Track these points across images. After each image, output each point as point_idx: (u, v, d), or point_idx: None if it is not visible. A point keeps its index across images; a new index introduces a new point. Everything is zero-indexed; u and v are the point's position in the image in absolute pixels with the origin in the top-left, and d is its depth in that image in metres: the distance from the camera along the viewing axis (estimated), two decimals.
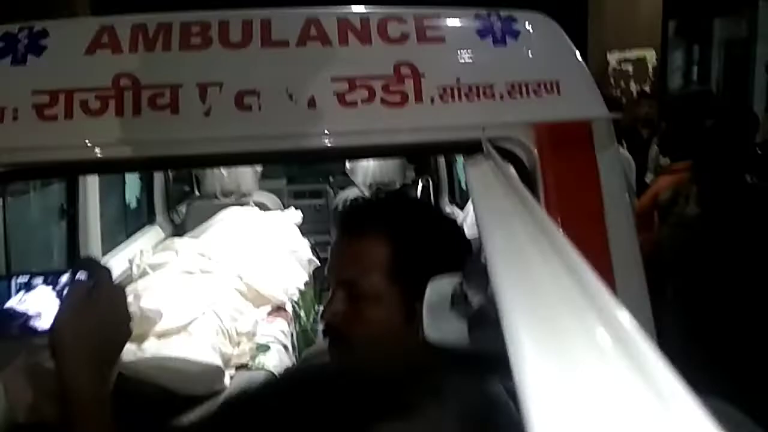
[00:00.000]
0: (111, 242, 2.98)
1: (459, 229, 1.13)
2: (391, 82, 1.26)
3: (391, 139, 1.27)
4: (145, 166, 1.42)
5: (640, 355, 0.34)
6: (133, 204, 3.38)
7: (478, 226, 0.92)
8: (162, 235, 3.67)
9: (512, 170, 1.20)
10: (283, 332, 2.08)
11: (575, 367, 0.35)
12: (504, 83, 1.29)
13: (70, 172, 1.33)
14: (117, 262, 2.65)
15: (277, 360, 1.88)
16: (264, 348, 1.90)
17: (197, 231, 3.22)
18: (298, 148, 1.26)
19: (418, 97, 1.25)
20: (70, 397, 0.77)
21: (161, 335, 1.68)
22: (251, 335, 1.94)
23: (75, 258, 2.47)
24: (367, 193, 4.10)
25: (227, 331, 1.86)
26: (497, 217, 0.87)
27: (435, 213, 1.28)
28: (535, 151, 1.29)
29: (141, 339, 1.64)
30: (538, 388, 0.34)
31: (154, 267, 2.34)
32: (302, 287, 2.66)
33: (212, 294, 2.01)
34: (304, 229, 3.92)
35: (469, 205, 1.93)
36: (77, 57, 1.25)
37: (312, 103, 1.24)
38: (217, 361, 1.63)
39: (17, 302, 0.90)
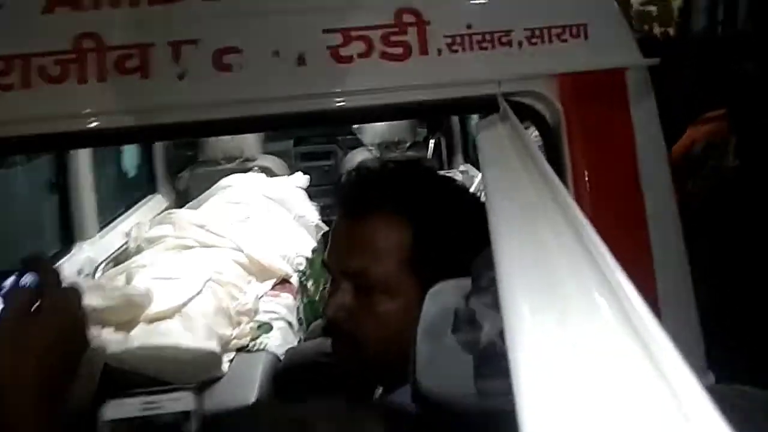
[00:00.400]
0: (108, 215, 2.87)
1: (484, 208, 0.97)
2: (392, 32, 1.09)
3: (393, 99, 1.12)
4: (112, 140, 1.28)
5: (638, 320, 0.33)
6: (132, 172, 3.25)
7: (486, 198, 0.78)
8: (164, 204, 3.55)
9: (527, 133, 1.04)
10: (287, 307, 1.96)
11: (570, 330, 0.35)
12: (522, 29, 1.12)
13: (28, 149, 1.19)
14: (115, 237, 2.55)
15: (280, 339, 1.76)
16: (266, 327, 1.79)
17: (198, 200, 3.09)
18: (285, 112, 1.11)
19: (423, 49, 1.09)
20: None
21: (152, 320, 1.57)
22: (252, 313, 1.83)
23: (66, 238, 2.36)
24: (376, 153, 3.95)
25: (226, 309, 1.75)
26: (507, 187, 0.76)
27: (458, 187, 1.08)
28: (560, 106, 1.13)
29: (129, 326, 1.53)
30: (529, 349, 0.34)
31: (151, 241, 2.23)
32: (310, 254, 2.54)
33: (211, 269, 1.90)
34: (313, 192, 3.80)
35: None
36: (34, 17, 1.09)
37: (301, 59, 1.08)
38: (213, 346, 1.52)
39: None
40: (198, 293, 1.74)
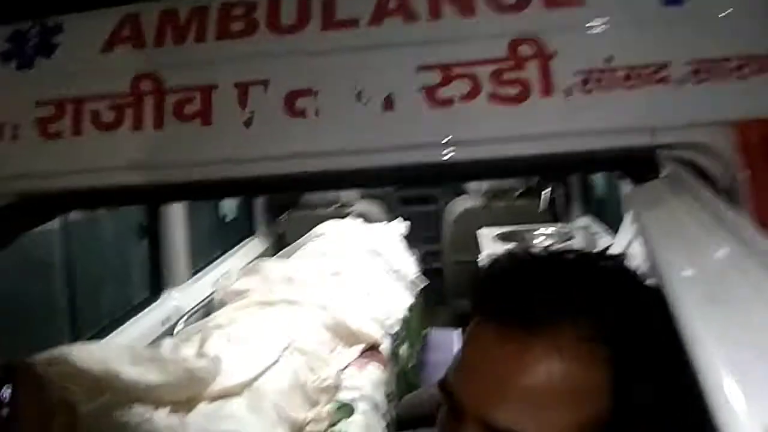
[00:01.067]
0: (204, 259, 2.80)
1: None
2: (505, 67, 0.85)
3: (504, 153, 0.87)
4: (166, 196, 1.12)
5: None
6: (230, 216, 3.20)
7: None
8: (262, 248, 3.48)
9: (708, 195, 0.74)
10: (373, 383, 1.71)
11: None
12: (682, 62, 0.84)
13: (81, 204, 1.06)
14: (207, 284, 2.46)
15: (362, 427, 1.51)
16: (347, 409, 1.55)
17: (293, 247, 2.98)
18: (369, 167, 0.89)
19: (546, 89, 0.84)
20: None
21: (216, 397, 1.39)
22: (333, 390, 1.60)
23: (155, 284, 2.28)
24: (482, 201, 3.66)
25: (303, 385, 1.54)
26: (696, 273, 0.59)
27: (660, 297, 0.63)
28: (737, 163, 0.83)
29: (188, 406, 1.35)
30: None
31: (236, 294, 2.09)
32: (406, 313, 2.30)
33: (292, 334, 1.71)
34: (413, 237, 3.58)
35: (625, 230, 1.45)
36: (91, 56, 0.97)
37: (389, 103, 0.87)
38: None
39: None
40: (274, 363, 1.54)
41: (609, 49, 0.85)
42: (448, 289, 3.69)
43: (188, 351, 1.62)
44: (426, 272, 3.55)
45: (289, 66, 0.90)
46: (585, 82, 0.84)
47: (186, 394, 1.36)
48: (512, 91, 0.85)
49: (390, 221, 3.41)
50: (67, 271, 1.74)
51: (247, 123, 0.90)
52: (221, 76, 0.91)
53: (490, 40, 0.86)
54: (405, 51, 0.88)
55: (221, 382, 1.42)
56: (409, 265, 2.82)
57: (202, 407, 1.34)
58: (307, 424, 1.43)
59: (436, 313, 3.57)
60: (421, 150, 0.87)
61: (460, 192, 3.97)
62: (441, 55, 0.87)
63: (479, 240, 2.98)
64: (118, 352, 1.30)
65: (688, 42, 0.85)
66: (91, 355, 1.23)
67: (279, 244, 3.59)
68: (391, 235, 3.07)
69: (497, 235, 2.86)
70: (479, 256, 2.76)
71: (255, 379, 1.45)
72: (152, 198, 1.17)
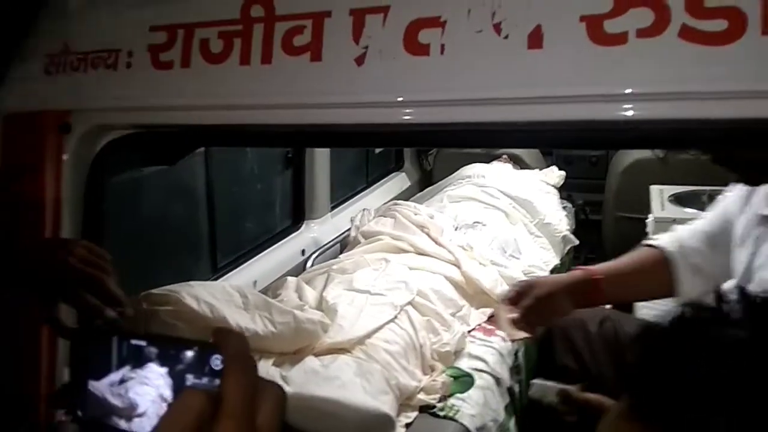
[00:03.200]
0: (347, 191, 2.79)
1: None
2: None
3: (699, 113, 0.63)
4: (270, 140, 1.01)
5: None
6: (378, 148, 3.13)
7: None
8: (408, 183, 3.40)
9: None
10: (499, 353, 1.53)
11: None
12: None
13: (190, 142, 1.00)
14: (347, 217, 2.43)
15: (478, 406, 1.33)
16: (465, 382, 1.39)
17: (437, 186, 2.84)
18: (512, 121, 0.70)
19: None
20: None
21: (326, 351, 1.32)
22: (452, 357, 1.45)
23: (297, 214, 2.30)
24: (659, 152, 3.18)
25: (420, 348, 1.42)
26: None
27: None
28: None
29: (293, 359, 1.28)
30: None
31: (367, 236, 2.02)
32: (547, 274, 2.07)
33: (415, 288, 1.59)
34: (573, 184, 3.25)
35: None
36: None
37: (536, 38, 0.66)
38: (387, 407, 1.18)
39: (116, 382, 0.48)
40: (391, 320, 1.45)
41: None
42: (605, 245, 3.34)
43: (308, 294, 1.59)
44: (583, 223, 3.23)
45: None
46: None
47: (293, 346, 1.33)
48: (714, 25, 0.60)
49: (545, 167, 3.10)
50: (211, 197, 1.78)
51: (360, 60, 0.75)
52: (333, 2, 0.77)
53: None
54: None
55: (333, 336, 1.36)
56: (560, 219, 2.54)
57: (309, 362, 1.29)
58: (418, 392, 1.32)
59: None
60: (576, 103, 0.66)
61: None
62: None
63: (651, 198, 2.60)
64: (228, 295, 1.29)
65: None
66: (200, 295, 1.22)
67: (425, 181, 3.48)
68: (544, 184, 2.79)
69: (673, 195, 2.46)
70: (648, 216, 2.41)
71: (368, 336, 1.37)
72: (255, 141, 1.09)
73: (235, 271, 1.88)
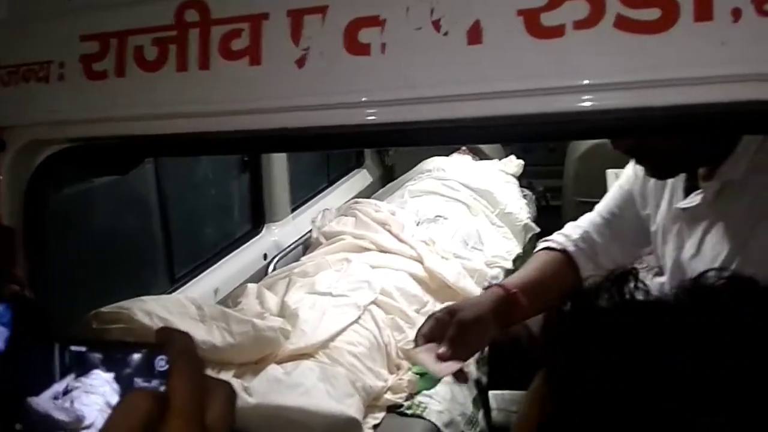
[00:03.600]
0: (308, 191, 2.76)
1: None
2: None
3: (636, 101, 0.63)
4: (214, 148, 0.99)
5: None
6: (324, 151, 3.10)
7: None
8: (369, 180, 3.39)
9: None
10: None
11: None
12: None
13: (131, 154, 0.96)
14: (309, 218, 2.41)
15: (445, 402, 1.34)
16: (432, 378, 1.40)
17: (398, 182, 2.84)
18: (455, 118, 0.70)
19: (703, 10, 0.59)
20: None
21: (288, 358, 1.30)
22: None
23: (257, 218, 2.26)
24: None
25: (385, 347, 1.42)
26: None
27: None
28: None
29: (255, 369, 1.26)
30: None
31: (328, 237, 2.01)
32: (510, 265, 2.09)
33: (379, 286, 1.58)
34: (533, 171, 3.27)
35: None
36: None
37: (475, 33, 0.66)
38: (353, 410, 1.17)
39: (59, 393, 0.45)
40: (354, 321, 1.44)
41: None
42: None
43: (270, 301, 1.56)
44: (544, 210, 3.28)
45: None
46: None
47: (254, 356, 1.30)
48: (651, 14, 0.60)
49: (504, 157, 3.13)
50: (164, 206, 1.74)
51: (300, 62, 0.73)
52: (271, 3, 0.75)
53: None
54: None
55: (295, 342, 1.33)
56: (521, 207, 2.57)
57: (271, 370, 1.26)
58: (385, 392, 1.31)
59: None
60: (515, 98, 0.66)
61: None
62: None
63: (607, 182, 2.65)
64: (183, 308, 1.25)
65: None
66: (153, 310, 1.19)
67: (387, 177, 3.47)
68: (504, 173, 2.82)
69: None
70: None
71: (331, 339, 1.36)
72: (200, 149, 1.06)
73: (194, 281, 1.83)
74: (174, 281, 1.79)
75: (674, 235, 1.02)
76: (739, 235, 0.88)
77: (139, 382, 0.43)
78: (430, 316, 1.04)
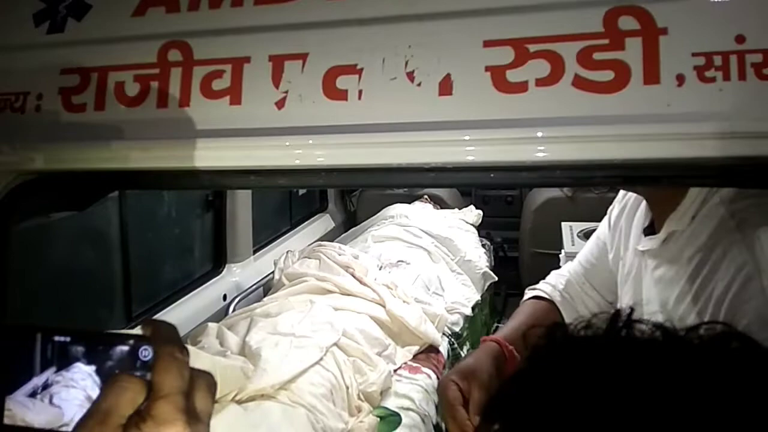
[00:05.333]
0: (271, 233, 2.76)
1: None
2: (598, 45, 0.67)
3: (590, 155, 0.69)
4: (188, 183, 1.01)
5: None
6: (302, 189, 3.13)
7: None
8: (332, 224, 3.42)
9: None
10: (425, 390, 1.56)
11: None
12: None
13: (102, 187, 0.97)
14: (270, 260, 2.40)
15: None
16: (393, 421, 1.41)
17: (360, 228, 2.87)
18: (418, 165, 0.74)
19: (652, 75, 0.65)
20: None
21: (249, 398, 1.29)
22: (378, 396, 1.46)
23: (218, 258, 2.25)
24: (567, 192, 3.38)
25: (345, 389, 1.42)
26: None
27: None
28: None
29: (219, 405, 1.26)
30: None
31: (291, 278, 2.01)
32: (469, 311, 2.13)
33: (341, 328, 1.59)
34: (491, 222, 3.37)
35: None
36: (122, 20, 0.87)
37: (446, 86, 0.71)
38: None
39: (38, 387, 0.43)
40: (316, 362, 1.44)
41: (740, 26, 0.64)
42: (523, 280, 3.48)
43: (231, 340, 1.55)
44: (502, 260, 3.36)
45: (329, 39, 0.76)
46: (704, 68, 0.64)
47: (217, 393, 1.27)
48: (605, 75, 0.67)
49: (464, 207, 3.22)
50: (125, 243, 1.71)
51: (280, 104, 0.77)
52: (253, 48, 0.79)
53: (581, 11, 0.68)
54: (469, 22, 0.71)
55: (256, 382, 1.33)
56: (480, 256, 2.63)
57: (232, 409, 1.25)
58: None
59: (509, 306, 3.38)
60: (484, 145, 0.71)
61: None
62: (514, 28, 0.70)
63: (562, 234, 2.75)
64: None
65: None
66: None
67: (350, 222, 3.51)
68: (463, 223, 2.89)
69: (582, 231, 2.62)
70: (560, 251, 2.54)
71: (293, 380, 1.35)
72: (174, 184, 1.07)
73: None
74: (131, 319, 1.75)
75: (633, 276, 1.07)
76: (688, 282, 0.93)
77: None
78: (446, 381, 0.98)
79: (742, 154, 0.64)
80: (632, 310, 0.44)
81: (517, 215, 3.78)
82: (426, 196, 3.17)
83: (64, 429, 0.46)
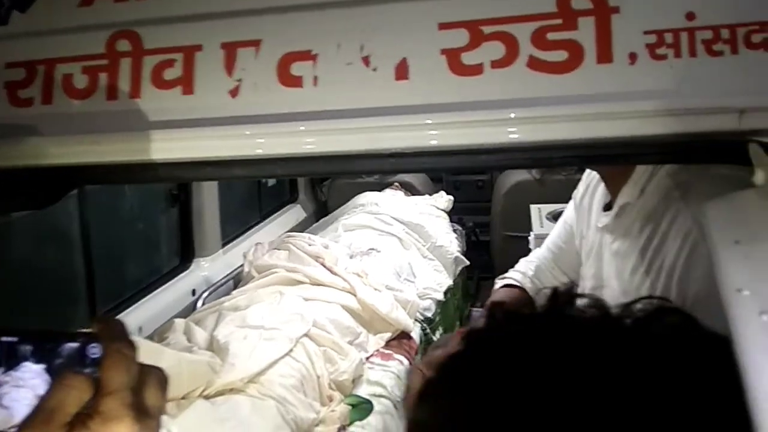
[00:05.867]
0: (241, 226, 2.73)
1: None
2: (551, 25, 0.67)
3: (545, 135, 0.69)
4: (144, 177, 0.98)
5: None
6: (272, 181, 3.11)
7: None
8: (304, 215, 3.39)
9: None
10: (398, 376, 1.57)
11: None
12: None
13: (52, 186, 0.94)
14: (240, 252, 2.37)
15: (379, 431, 1.36)
16: (364, 409, 1.41)
17: (331, 217, 2.86)
18: (375, 150, 0.73)
19: (605, 54, 0.65)
20: None
21: (218, 392, 1.28)
22: (350, 384, 1.46)
23: (186, 253, 2.21)
24: (536, 174, 3.42)
25: (317, 379, 1.42)
26: None
27: None
28: None
29: (188, 400, 1.24)
30: None
31: (260, 270, 1.99)
32: (442, 297, 2.14)
33: (311, 319, 1.58)
34: (463, 208, 3.38)
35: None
36: (68, 10, 0.84)
37: (402, 70, 0.70)
38: None
39: None
40: (286, 354, 1.43)
41: (687, 4, 0.65)
42: (495, 263, 3.51)
43: (198, 335, 1.53)
44: (474, 245, 3.38)
45: (284, 26, 0.74)
46: (656, 45, 0.65)
47: (181, 390, 1.26)
48: (560, 55, 0.67)
49: (434, 193, 3.23)
50: (87, 240, 1.67)
51: (234, 92, 0.75)
52: (205, 36, 0.77)
53: None
54: (423, 5, 0.70)
55: (225, 376, 1.31)
56: (451, 241, 2.65)
57: (200, 404, 1.24)
58: (316, 425, 1.31)
59: (482, 289, 3.41)
60: (440, 129, 0.71)
61: None
62: (469, 11, 0.69)
63: (531, 216, 2.77)
64: None
65: None
66: None
67: (321, 212, 3.49)
68: (434, 209, 2.89)
69: (550, 213, 2.65)
70: (530, 233, 2.57)
71: (262, 372, 1.34)
72: (128, 178, 1.05)
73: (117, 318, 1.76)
74: None
75: (595, 253, 1.09)
76: (640, 254, 0.95)
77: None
78: (412, 369, 1.01)
79: (695, 131, 0.65)
80: (573, 285, 0.45)
81: (489, 200, 3.81)
82: (397, 184, 3.17)
83: (13, 431, 0.45)
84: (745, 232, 0.50)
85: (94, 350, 0.43)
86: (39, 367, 0.44)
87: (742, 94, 0.64)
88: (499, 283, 1.25)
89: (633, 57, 0.65)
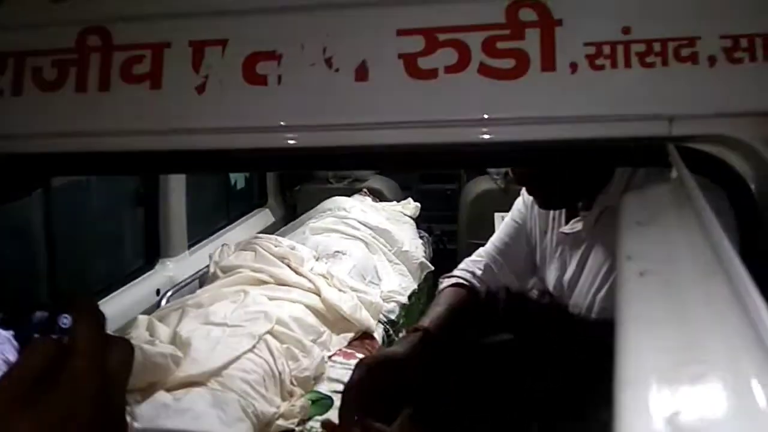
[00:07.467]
0: (209, 228, 2.73)
1: None
2: (500, 35, 0.72)
3: (494, 136, 0.74)
4: (108, 168, 1.01)
5: None
6: (241, 184, 3.11)
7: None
8: (272, 219, 3.40)
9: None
10: None
11: None
12: (716, 37, 0.70)
13: (21, 176, 0.95)
14: (206, 254, 2.38)
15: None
16: (324, 404, 1.44)
17: (298, 221, 2.88)
18: (335, 145, 0.77)
19: (548, 62, 0.71)
20: None
21: (179, 385, 1.30)
22: (311, 381, 1.49)
23: (151, 253, 2.21)
24: (501, 183, 3.50)
25: (278, 375, 1.44)
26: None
27: None
28: None
29: (147, 392, 1.26)
30: None
31: (226, 270, 2.01)
32: (405, 300, 2.18)
33: (274, 317, 1.61)
34: (430, 216, 3.43)
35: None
36: (40, 6, 0.86)
37: (362, 71, 0.74)
38: None
39: None
40: (248, 350, 1.45)
41: (627, 18, 0.71)
42: None
43: (161, 331, 1.54)
44: (441, 253, 3.43)
45: (249, 26, 0.78)
46: (595, 56, 0.70)
47: (141, 381, 1.27)
48: (507, 63, 0.72)
49: (402, 199, 3.27)
50: (51, 238, 1.66)
51: (200, 88, 0.78)
52: (174, 33, 0.80)
53: (485, 3, 0.73)
54: (383, 12, 0.75)
55: (186, 370, 1.33)
56: (417, 247, 2.69)
57: (160, 396, 1.25)
58: (277, 419, 1.33)
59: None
60: (396, 129, 0.75)
61: (484, 171, 3.81)
62: (425, 19, 0.74)
63: (495, 224, 2.84)
64: None
65: (724, 13, 0.71)
66: None
67: (290, 216, 3.50)
68: (401, 215, 2.94)
69: None
70: None
71: (224, 367, 1.36)
72: (96, 169, 1.06)
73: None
74: None
75: (557, 259, 1.14)
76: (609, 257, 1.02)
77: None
78: (358, 363, 1.05)
79: (629, 135, 0.71)
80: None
81: (456, 208, 3.87)
82: (365, 190, 3.21)
83: None
84: (646, 215, 0.56)
85: (65, 321, 0.45)
86: (8, 333, 0.46)
87: (672, 102, 0.70)
88: (445, 282, 1.28)
89: (573, 66, 0.71)
